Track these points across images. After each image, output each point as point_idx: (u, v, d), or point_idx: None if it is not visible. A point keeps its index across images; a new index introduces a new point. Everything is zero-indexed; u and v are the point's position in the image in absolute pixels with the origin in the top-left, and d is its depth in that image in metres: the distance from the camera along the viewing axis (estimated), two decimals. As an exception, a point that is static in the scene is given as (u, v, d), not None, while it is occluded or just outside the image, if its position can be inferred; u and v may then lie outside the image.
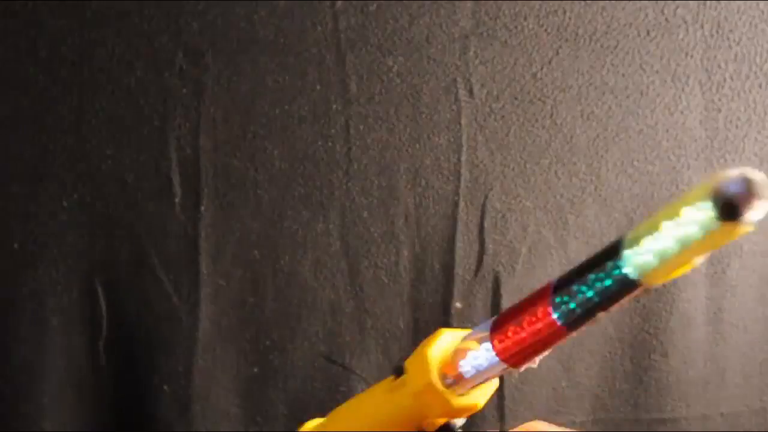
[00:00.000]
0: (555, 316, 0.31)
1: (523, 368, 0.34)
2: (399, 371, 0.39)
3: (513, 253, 0.75)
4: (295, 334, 0.73)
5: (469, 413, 0.37)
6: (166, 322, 0.71)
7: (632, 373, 0.78)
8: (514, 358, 0.33)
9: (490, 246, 0.74)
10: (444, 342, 0.37)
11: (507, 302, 0.75)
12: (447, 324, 0.74)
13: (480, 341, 0.34)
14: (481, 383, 0.36)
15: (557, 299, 0.31)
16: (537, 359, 0.34)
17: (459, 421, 0.39)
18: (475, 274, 0.74)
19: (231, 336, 0.72)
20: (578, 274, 0.30)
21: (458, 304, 0.74)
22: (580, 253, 0.75)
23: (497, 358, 0.34)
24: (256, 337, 0.72)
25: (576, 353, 0.77)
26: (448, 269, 0.74)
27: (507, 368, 0.34)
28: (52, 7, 0.67)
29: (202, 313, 0.71)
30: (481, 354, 0.34)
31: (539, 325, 0.32)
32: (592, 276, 0.30)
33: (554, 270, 0.74)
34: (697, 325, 0.79)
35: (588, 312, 0.30)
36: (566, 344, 0.77)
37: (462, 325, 0.42)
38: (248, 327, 0.72)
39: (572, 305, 0.31)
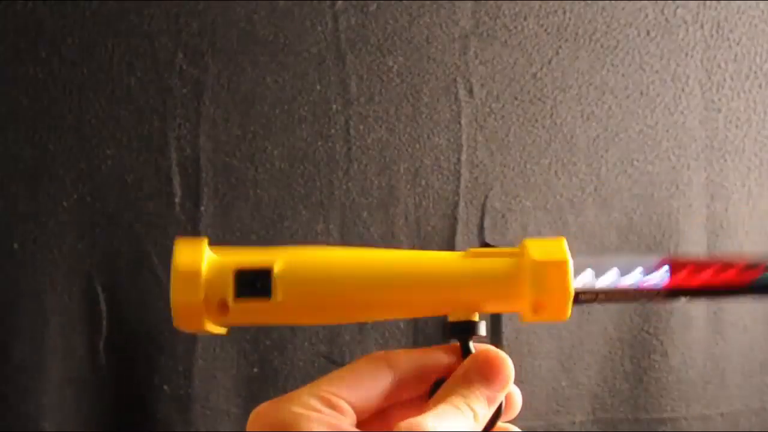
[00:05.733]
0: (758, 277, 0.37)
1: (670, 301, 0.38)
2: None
3: (513, 253, 0.75)
4: (295, 334, 0.73)
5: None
6: (166, 322, 0.71)
7: (632, 373, 0.78)
8: (681, 287, 0.39)
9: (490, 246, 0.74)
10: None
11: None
12: (446, 323, 0.74)
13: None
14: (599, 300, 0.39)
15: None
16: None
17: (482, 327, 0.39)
18: (475, 274, 0.74)
19: (231, 336, 0.72)
20: None
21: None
22: (580, 253, 0.75)
23: (665, 281, 0.39)
24: (256, 337, 0.72)
25: (576, 353, 0.77)
26: (448, 269, 0.74)
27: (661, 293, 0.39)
28: (52, 7, 0.67)
29: (202, 313, 0.71)
30: (655, 276, 0.39)
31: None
32: None
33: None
34: (697, 325, 0.78)
35: None
36: (566, 344, 0.77)
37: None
38: (248, 327, 0.72)
39: None
